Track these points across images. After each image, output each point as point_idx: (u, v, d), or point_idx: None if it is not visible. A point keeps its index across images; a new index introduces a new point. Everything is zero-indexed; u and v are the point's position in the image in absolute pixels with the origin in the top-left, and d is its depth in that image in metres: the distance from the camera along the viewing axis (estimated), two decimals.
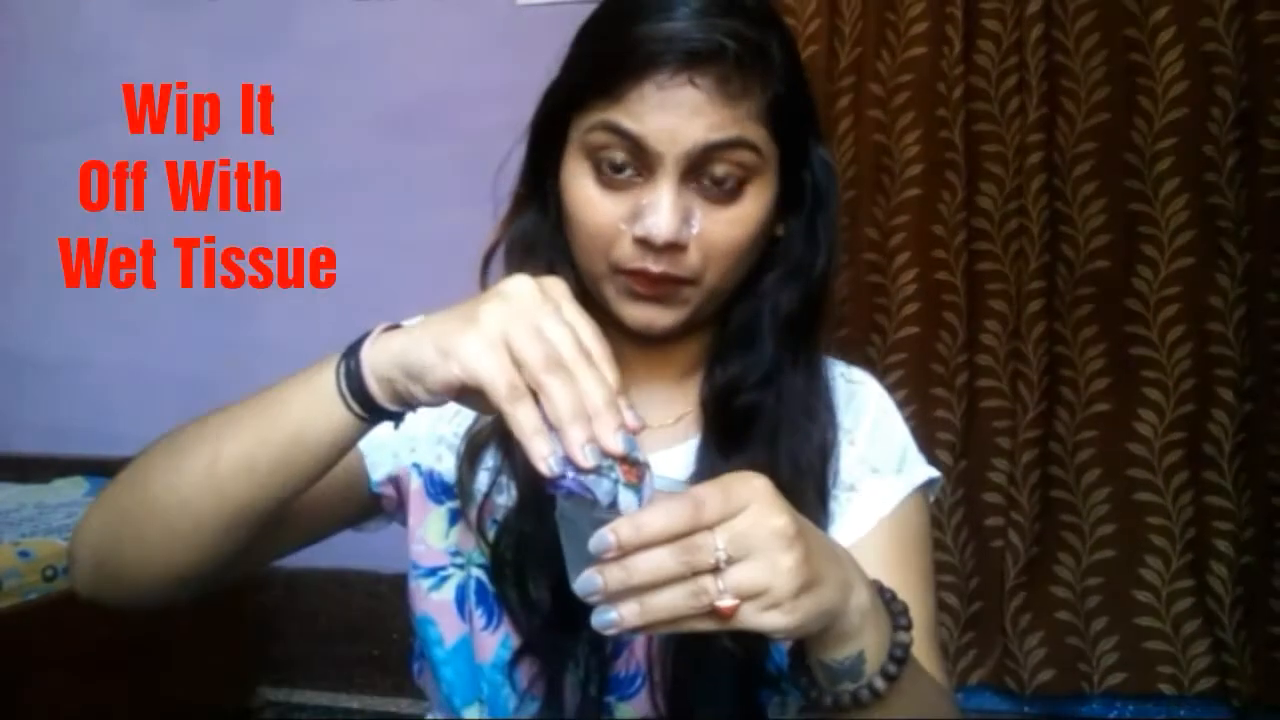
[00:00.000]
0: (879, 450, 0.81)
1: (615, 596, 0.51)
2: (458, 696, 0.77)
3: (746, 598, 0.51)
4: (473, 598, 0.76)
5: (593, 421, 0.52)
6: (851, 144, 1.83)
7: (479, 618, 0.76)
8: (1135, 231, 1.74)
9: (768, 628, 0.52)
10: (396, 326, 0.61)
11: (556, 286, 0.57)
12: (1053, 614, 1.79)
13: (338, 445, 0.61)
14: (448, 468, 0.78)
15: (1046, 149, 1.74)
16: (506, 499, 0.75)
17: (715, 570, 0.51)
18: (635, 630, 0.52)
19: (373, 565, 2.16)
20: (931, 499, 0.84)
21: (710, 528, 0.51)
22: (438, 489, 0.78)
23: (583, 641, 0.72)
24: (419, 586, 0.78)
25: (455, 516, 0.78)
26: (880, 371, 1.78)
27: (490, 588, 0.75)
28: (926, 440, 1.56)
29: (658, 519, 0.51)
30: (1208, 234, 1.70)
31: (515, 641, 0.74)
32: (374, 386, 0.58)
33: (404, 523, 0.80)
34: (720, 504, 0.52)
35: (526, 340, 0.53)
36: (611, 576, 0.51)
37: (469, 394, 0.56)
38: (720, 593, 0.51)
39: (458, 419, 0.79)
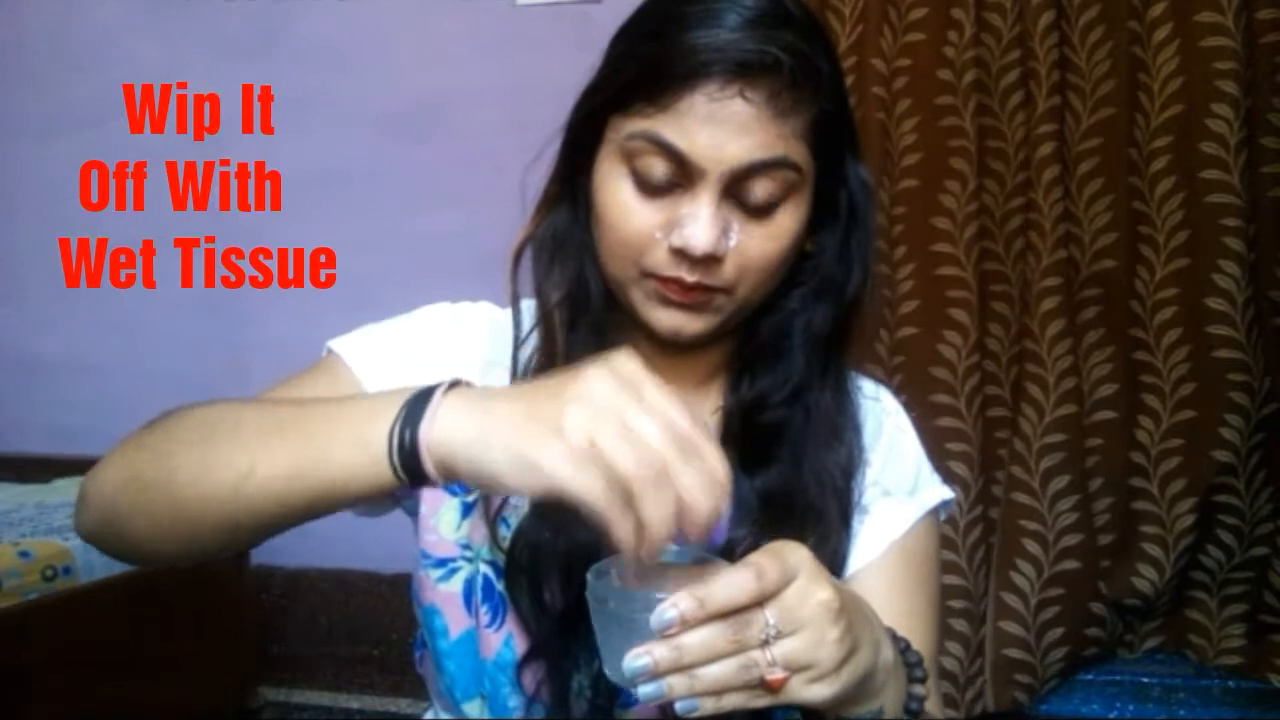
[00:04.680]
0: (893, 471, 0.80)
1: (663, 675, 0.51)
2: (459, 690, 0.77)
3: (794, 670, 0.52)
4: (479, 593, 0.76)
5: (687, 513, 0.51)
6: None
7: (484, 614, 0.75)
8: (1137, 231, 1.70)
9: (813, 700, 0.53)
10: (458, 384, 0.57)
11: (629, 365, 0.54)
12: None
13: (377, 495, 0.59)
14: None
15: (1058, 139, 1.68)
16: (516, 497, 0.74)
17: (764, 644, 0.51)
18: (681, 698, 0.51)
19: (373, 565, 2.16)
20: (943, 518, 0.84)
21: (762, 603, 0.51)
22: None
23: (589, 647, 0.72)
24: (427, 576, 0.78)
25: (467, 509, 0.77)
26: (885, 372, 1.76)
27: (497, 585, 0.75)
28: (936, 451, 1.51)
29: (721, 594, 0.51)
30: (1207, 233, 1.65)
31: (518, 640, 0.74)
32: (430, 468, 0.55)
33: (411, 511, 0.80)
34: (778, 578, 0.52)
35: (616, 443, 0.50)
36: (662, 657, 0.50)
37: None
38: (770, 665, 0.51)
39: None
